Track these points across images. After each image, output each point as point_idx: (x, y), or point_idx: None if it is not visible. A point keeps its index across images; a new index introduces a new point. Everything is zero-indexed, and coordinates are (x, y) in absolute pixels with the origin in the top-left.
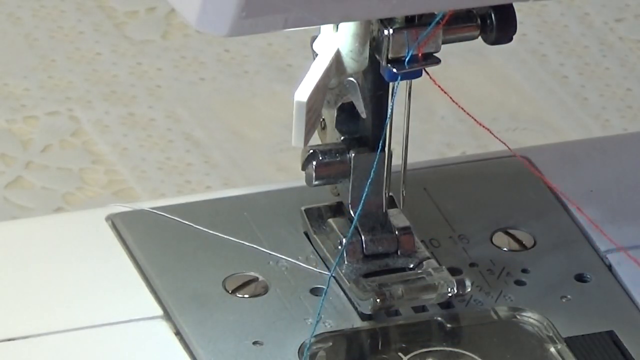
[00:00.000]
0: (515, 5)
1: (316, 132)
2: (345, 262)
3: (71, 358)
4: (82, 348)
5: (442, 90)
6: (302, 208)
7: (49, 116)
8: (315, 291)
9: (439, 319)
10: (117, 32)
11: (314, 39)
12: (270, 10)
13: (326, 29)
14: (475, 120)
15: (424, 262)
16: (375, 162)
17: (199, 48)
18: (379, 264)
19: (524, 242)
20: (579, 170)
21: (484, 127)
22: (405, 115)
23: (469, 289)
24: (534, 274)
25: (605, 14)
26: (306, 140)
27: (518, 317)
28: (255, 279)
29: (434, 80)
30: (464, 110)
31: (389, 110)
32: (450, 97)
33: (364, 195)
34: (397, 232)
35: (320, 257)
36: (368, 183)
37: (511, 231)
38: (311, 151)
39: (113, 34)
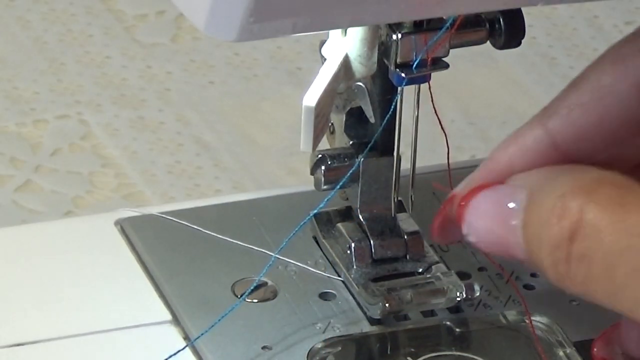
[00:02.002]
0: (525, 9)
1: (325, 136)
2: (354, 267)
3: None
4: (90, 353)
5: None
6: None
7: (58, 119)
8: (324, 296)
9: (448, 323)
10: (126, 36)
11: (322, 43)
12: (279, 15)
13: (335, 34)
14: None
15: (433, 267)
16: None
17: (209, 51)
18: (387, 269)
19: None
20: None
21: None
22: (414, 119)
23: (477, 294)
24: (543, 278)
25: (614, 17)
26: (314, 145)
27: (527, 321)
28: (264, 284)
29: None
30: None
31: (397, 115)
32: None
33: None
34: (406, 237)
35: (329, 261)
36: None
37: None
38: (320, 156)
39: (122, 38)
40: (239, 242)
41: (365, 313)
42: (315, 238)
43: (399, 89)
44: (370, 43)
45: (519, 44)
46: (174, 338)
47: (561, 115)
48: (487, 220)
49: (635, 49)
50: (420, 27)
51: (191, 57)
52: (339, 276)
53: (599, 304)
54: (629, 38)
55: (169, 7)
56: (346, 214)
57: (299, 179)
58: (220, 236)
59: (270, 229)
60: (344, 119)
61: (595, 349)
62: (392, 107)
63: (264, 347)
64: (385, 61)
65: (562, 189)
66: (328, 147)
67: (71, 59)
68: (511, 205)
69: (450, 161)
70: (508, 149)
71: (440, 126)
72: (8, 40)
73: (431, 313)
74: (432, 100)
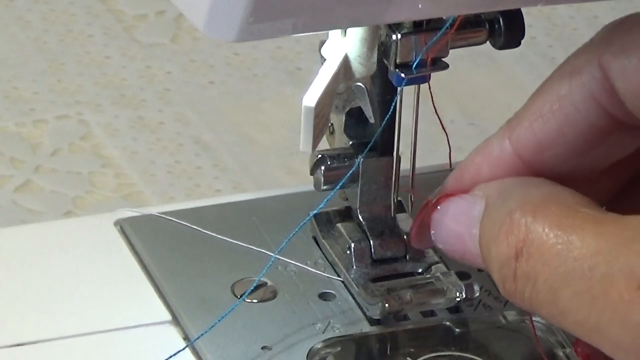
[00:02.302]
0: (525, 9)
1: (324, 136)
2: (354, 267)
3: None
4: (90, 353)
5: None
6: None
7: (58, 120)
8: (323, 296)
9: (448, 323)
10: (126, 36)
11: (322, 43)
12: (279, 15)
13: (334, 34)
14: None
15: (433, 267)
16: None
17: (209, 51)
18: (387, 269)
19: None
20: None
21: None
22: (414, 119)
23: (477, 294)
24: None
25: (614, 17)
26: (314, 145)
27: (527, 321)
28: (264, 284)
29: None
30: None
31: (397, 115)
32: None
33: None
34: (405, 237)
35: (328, 261)
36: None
37: None
38: (319, 156)
39: (122, 38)
40: (239, 242)
41: (365, 313)
42: (315, 238)
43: (399, 89)
44: (370, 43)
45: (518, 44)
46: (174, 338)
47: (524, 126)
48: (450, 228)
49: (590, 58)
50: (420, 27)
51: (191, 57)
52: (339, 276)
53: (548, 322)
54: (584, 47)
55: (169, 7)
56: (346, 214)
57: (298, 179)
58: (220, 236)
59: (270, 229)
60: (344, 119)
61: (578, 348)
62: (392, 107)
63: (263, 347)
64: (385, 61)
65: (512, 204)
66: (328, 147)
67: (71, 59)
68: (471, 214)
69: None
70: (475, 159)
71: (441, 126)
72: (8, 40)
73: (431, 313)
74: (432, 101)
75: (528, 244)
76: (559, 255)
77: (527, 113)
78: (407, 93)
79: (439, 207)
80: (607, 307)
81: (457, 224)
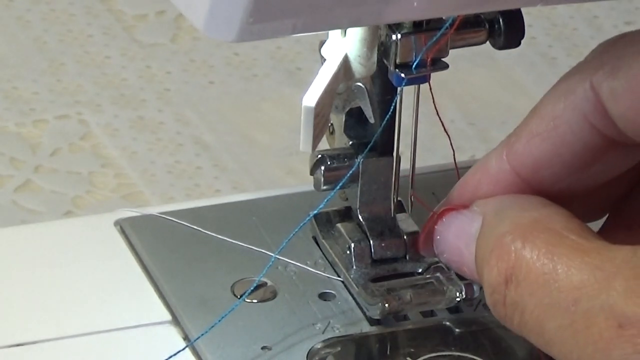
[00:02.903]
0: (524, 9)
1: (324, 136)
2: (354, 267)
3: None
4: (90, 353)
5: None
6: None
7: (58, 120)
8: (323, 296)
9: (448, 323)
10: (126, 36)
11: (322, 43)
12: (279, 15)
13: (334, 34)
14: None
15: (433, 267)
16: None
17: (208, 51)
18: (387, 269)
19: None
20: None
21: None
22: (414, 120)
23: (477, 294)
24: None
25: (614, 17)
26: (314, 145)
27: None
28: (264, 284)
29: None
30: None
31: (397, 115)
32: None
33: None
34: (405, 237)
35: (328, 261)
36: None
37: None
38: (319, 156)
39: (122, 38)
40: (239, 242)
41: (364, 313)
42: (314, 238)
43: (399, 89)
44: (369, 43)
45: (518, 44)
46: (173, 338)
47: (521, 145)
48: (450, 241)
49: (583, 79)
50: (419, 27)
51: (191, 57)
52: (339, 276)
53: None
54: (578, 67)
55: (168, 7)
56: (346, 214)
57: (298, 179)
58: (220, 236)
59: (270, 229)
60: (344, 119)
61: None
62: (392, 107)
63: (263, 348)
64: (385, 61)
65: (504, 227)
66: (328, 147)
67: (71, 59)
68: (469, 231)
69: (450, 161)
70: (476, 174)
71: (443, 128)
72: (8, 40)
73: (431, 313)
74: (433, 101)
75: (517, 271)
76: (545, 285)
77: (524, 132)
78: (407, 93)
79: (439, 222)
80: (588, 343)
81: (456, 239)
